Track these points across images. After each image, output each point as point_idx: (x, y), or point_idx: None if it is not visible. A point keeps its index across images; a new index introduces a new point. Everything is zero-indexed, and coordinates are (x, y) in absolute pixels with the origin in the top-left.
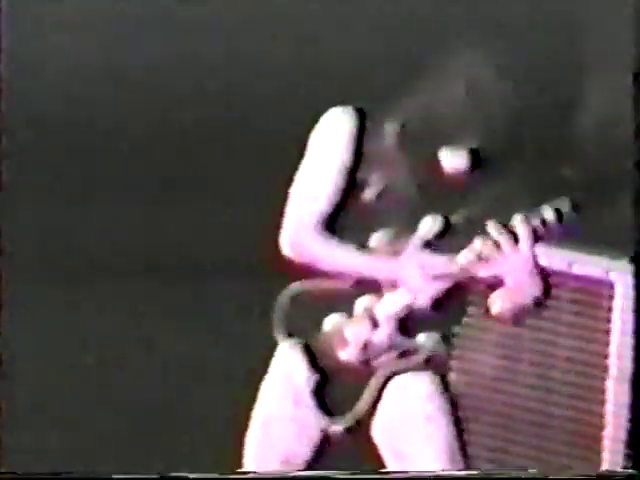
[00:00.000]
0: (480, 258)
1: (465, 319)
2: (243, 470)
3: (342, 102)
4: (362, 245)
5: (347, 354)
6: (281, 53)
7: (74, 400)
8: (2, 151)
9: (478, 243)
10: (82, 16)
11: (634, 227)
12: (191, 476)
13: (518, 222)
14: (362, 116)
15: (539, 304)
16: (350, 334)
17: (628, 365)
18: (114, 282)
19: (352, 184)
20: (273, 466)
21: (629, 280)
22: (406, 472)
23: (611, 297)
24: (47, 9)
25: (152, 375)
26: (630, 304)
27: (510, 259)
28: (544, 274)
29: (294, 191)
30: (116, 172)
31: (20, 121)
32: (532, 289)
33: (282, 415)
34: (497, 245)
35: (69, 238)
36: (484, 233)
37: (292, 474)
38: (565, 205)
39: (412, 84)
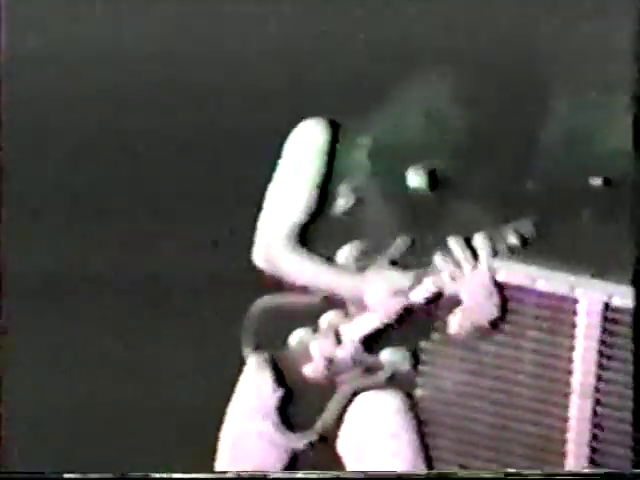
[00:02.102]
0: (443, 275)
1: (430, 335)
2: (235, 470)
3: (315, 114)
4: (332, 259)
5: (312, 369)
6: (255, 66)
7: (70, 402)
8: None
9: (439, 259)
10: (82, 17)
11: (633, 247)
12: (186, 476)
13: (479, 241)
14: (335, 128)
15: (503, 320)
16: (315, 349)
17: (591, 381)
18: (90, 297)
19: (324, 196)
20: None
21: (592, 296)
22: (400, 472)
23: (574, 313)
24: (47, 10)
25: (125, 386)
26: (593, 320)
27: (469, 278)
28: (505, 292)
29: (267, 203)
30: (90, 190)
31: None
32: (490, 309)
33: (250, 430)
34: (457, 263)
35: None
36: (446, 250)
37: (287, 474)
38: (528, 225)
39: (383, 99)
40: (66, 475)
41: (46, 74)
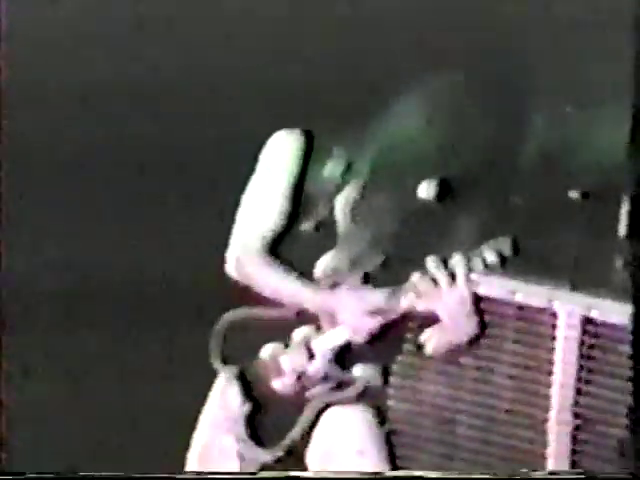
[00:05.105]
0: (418, 293)
1: (405, 346)
2: (226, 471)
3: (294, 124)
4: (304, 272)
5: (282, 384)
6: (237, 73)
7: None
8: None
9: (416, 277)
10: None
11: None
12: (178, 477)
13: (457, 261)
14: (309, 138)
15: (481, 333)
16: (286, 364)
17: (570, 395)
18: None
19: (297, 208)
20: None
21: (571, 309)
22: (397, 472)
23: (554, 326)
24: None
25: (94, 395)
26: (573, 334)
27: (447, 297)
28: (483, 305)
29: (241, 213)
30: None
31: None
32: (468, 328)
33: (217, 444)
34: (434, 281)
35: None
36: (422, 268)
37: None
38: (507, 243)
39: (360, 112)
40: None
41: (45, 75)
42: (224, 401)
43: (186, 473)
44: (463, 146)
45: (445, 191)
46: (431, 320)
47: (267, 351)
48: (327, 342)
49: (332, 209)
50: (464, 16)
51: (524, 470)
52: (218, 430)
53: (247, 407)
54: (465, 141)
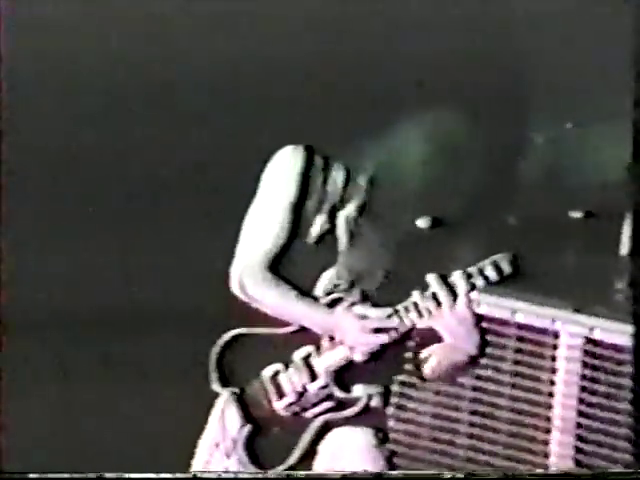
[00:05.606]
0: (418, 312)
1: (405, 366)
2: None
3: (295, 141)
4: (305, 289)
5: (283, 404)
6: (242, 91)
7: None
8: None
9: (417, 296)
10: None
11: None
12: (179, 476)
13: (457, 279)
14: (310, 155)
15: (481, 353)
16: (287, 384)
17: (572, 416)
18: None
19: (299, 225)
20: None
21: (573, 329)
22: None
23: (555, 347)
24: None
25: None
26: (574, 354)
27: (448, 316)
28: (485, 324)
29: (244, 231)
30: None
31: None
32: (469, 347)
33: (217, 467)
34: (436, 300)
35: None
36: (423, 286)
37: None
38: (506, 260)
39: (366, 128)
40: (31, 475)
41: (46, 76)
42: (223, 424)
43: (186, 472)
44: (463, 165)
45: (439, 222)
46: (432, 339)
47: (268, 372)
48: (328, 361)
49: (333, 226)
50: (464, 37)
51: None
52: (217, 453)
53: (247, 429)
54: (465, 161)
